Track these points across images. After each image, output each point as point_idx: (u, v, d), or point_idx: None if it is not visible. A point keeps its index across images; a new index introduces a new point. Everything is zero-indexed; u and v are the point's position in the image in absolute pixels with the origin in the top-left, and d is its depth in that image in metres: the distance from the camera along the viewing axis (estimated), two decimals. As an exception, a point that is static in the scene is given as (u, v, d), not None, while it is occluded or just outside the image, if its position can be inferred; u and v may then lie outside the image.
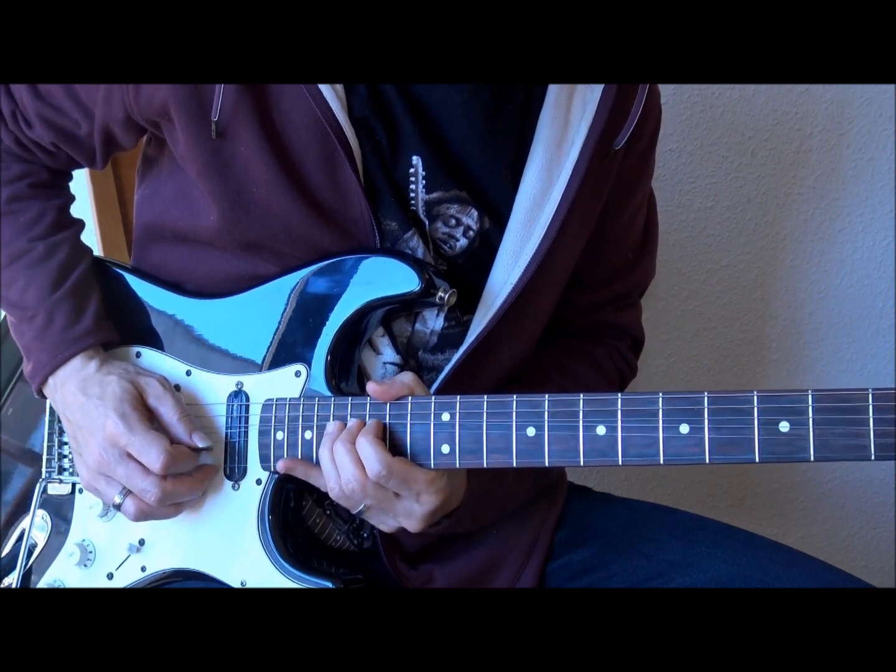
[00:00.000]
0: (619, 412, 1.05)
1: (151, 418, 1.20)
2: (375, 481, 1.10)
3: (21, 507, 1.33)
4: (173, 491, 1.18)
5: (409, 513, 1.13)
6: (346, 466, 1.11)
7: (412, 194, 1.21)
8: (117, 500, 1.19)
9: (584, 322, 1.39)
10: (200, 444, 1.19)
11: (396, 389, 1.13)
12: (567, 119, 1.22)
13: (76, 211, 1.38)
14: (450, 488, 1.14)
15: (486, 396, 1.10)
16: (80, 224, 1.34)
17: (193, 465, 1.20)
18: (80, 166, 1.35)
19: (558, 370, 1.33)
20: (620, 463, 1.06)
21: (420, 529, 1.14)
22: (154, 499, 1.17)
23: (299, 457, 1.17)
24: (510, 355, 1.28)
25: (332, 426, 1.14)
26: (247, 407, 1.21)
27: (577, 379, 1.33)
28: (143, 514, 1.20)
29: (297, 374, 1.19)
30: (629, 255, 1.39)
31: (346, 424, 1.14)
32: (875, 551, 2.13)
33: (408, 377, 1.15)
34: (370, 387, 1.14)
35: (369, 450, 1.10)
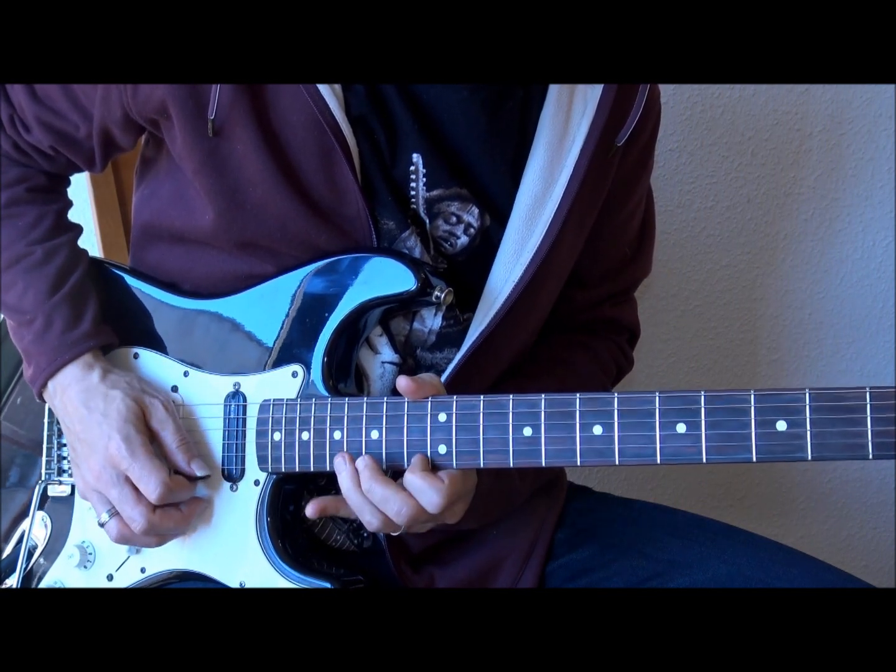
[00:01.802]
0: (616, 412, 1.05)
1: (152, 439, 1.20)
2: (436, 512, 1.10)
3: (28, 508, 1.33)
4: (159, 524, 1.17)
5: (453, 512, 1.13)
6: (393, 506, 1.10)
7: (412, 192, 1.21)
8: (103, 518, 1.20)
9: (584, 318, 1.39)
10: (199, 473, 1.19)
11: (426, 390, 1.12)
12: (568, 116, 1.22)
13: (77, 212, 1.38)
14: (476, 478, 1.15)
15: (482, 397, 1.10)
16: (77, 229, 1.34)
17: (188, 496, 1.20)
18: (78, 170, 1.35)
19: (558, 364, 1.33)
20: (617, 463, 1.05)
21: (459, 519, 1.14)
22: (139, 528, 1.17)
23: (296, 457, 1.17)
24: (512, 351, 1.28)
25: (344, 473, 1.13)
26: (244, 408, 1.21)
27: (576, 373, 1.33)
28: (124, 539, 1.20)
29: (295, 374, 1.19)
30: (626, 251, 1.39)
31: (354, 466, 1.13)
32: (875, 551, 2.13)
33: (434, 378, 1.14)
34: (402, 381, 1.12)
35: (422, 484, 1.09)
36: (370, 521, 1.12)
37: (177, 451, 1.19)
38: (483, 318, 1.21)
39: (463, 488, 1.12)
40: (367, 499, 1.11)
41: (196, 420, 1.23)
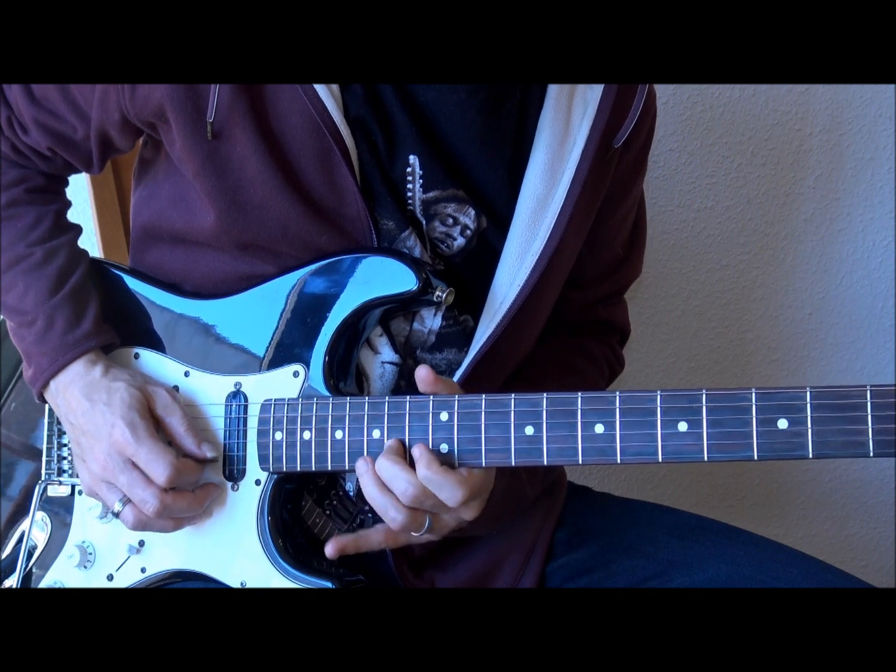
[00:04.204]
0: (618, 410, 1.05)
1: (157, 427, 1.20)
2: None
3: (23, 507, 1.33)
4: (172, 505, 1.17)
5: (470, 507, 1.13)
6: (399, 485, 1.10)
7: (409, 193, 1.21)
8: (117, 507, 1.19)
9: (579, 319, 1.40)
10: (209, 455, 1.19)
11: (443, 386, 1.12)
12: (568, 118, 1.22)
13: (77, 212, 1.38)
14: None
15: (484, 395, 1.10)
16: (77, 229, 1.34)
17: (197, 479, 1.20)
18: (76, 171, 1.35)
19: (559, 366, 1.34)
20: (619, 461, 1.05)
21: (476, 515, 1.14)
22: (153, 510, 1.16)
23: (298, 457, 1.17)
24: (518, 356, 1.29)
25: (366, 474, 1.12)
26: (245, 407, 1.21)
27: (576, 373, 1.34)
28: (140, 525, 1.19)
29: (296, 374, 1.19)
30: (620, 253, 1.40)
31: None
32: (875, 551, 2.13)
33: (452, 382, 1.14)
34: (422, 370, 1.11)
35: (442, 480, 1.09)
36: (395, 518, 1.11)
37: (185, 435, 1.19)
38: (490, 322, 1.21)
39: (483, 484, 1.12)
40: (391, 495, 1.10)
41: (197, 420, 1.23)
